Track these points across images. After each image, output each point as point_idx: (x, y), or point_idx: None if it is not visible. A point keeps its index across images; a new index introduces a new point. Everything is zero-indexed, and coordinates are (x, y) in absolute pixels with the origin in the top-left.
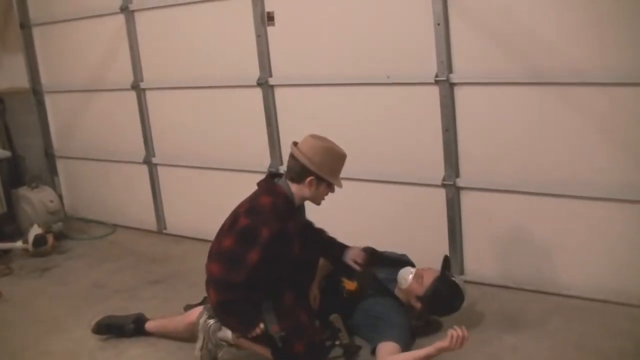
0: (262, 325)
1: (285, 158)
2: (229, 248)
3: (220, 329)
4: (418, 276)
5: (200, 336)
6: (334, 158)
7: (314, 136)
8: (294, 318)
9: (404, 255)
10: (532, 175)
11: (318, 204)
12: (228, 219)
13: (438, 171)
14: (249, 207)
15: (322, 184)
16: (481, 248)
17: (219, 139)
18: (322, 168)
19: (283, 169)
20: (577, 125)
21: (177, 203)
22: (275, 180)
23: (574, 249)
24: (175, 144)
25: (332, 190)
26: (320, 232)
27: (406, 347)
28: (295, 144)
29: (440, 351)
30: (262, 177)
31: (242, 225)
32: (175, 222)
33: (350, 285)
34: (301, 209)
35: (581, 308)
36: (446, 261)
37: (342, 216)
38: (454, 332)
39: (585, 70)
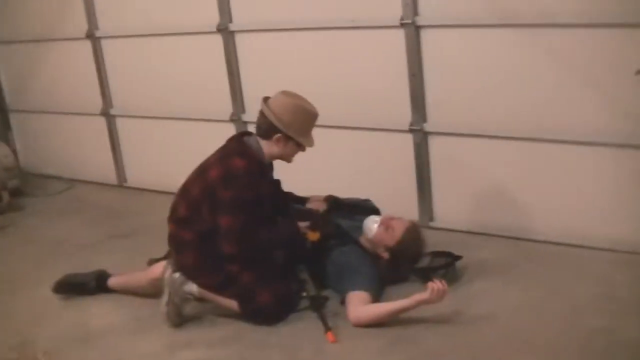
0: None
1: (248, 106)
2: (228, 224)
3: (185, 283)
4: (387, 226)
5: (166, 291)
6: (303, 116)
7: (285, 93)
8: (260, 269)
9: (367, 201)
10: (503, 119)
11: (289, 161)
12: (195, 174)
13: (405, 116)
14: (224, 172)
15: (291, 142)
16: (451, 194)
17: (179, 88)
18: (290, 126)
19: (245, 117)
20: (548, 67)
21: (137, 155)
22: (245, 139)
23: (547, 193)
24: (134, 94)
25: (302, 149)
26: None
27: (376, 295)
28: (265, 99)
29: (419, 303)
30: (224, 126)
31: (225, 198)
32: (136, 174)
33: (313, 235)
34: (271, 166)
35: (554, 253)
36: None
37: (307, 163)
38: (435, 285)
39: (556, 13)
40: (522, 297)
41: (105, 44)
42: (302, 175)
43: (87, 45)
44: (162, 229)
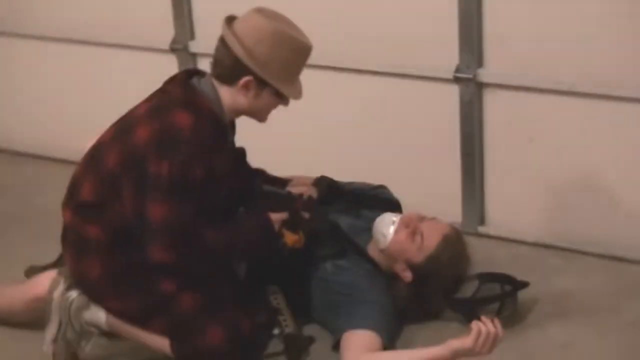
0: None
1: (199, 30)
2: (161, 215)
3: (87, 307)
4: (412, 230)
5: (55, 318)
6: (288, 50)
7: (261, 12)
8: (208, 289)
9: (380, 189)
10: (603, 66)
11: (262, 120)
12: (112, 135)
13: (449, 57)
14: (158, 133)
15: (267, 89)
16: (514, 185)
17: None
18: (267, 65)
19: (194, 47)
20: None
21: (14, 101)
22: (194, 81)
23: None
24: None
25: (284, 103)
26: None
27: (389, 338)
28: (229, 20)
29: (457, 355)
30: (160, 58)
31: (159, 174)
32: (12, 131)
33: (292, 238)
34: (233, 126)
35: None
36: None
37: (289, 125)
38: (482, 327)
39: None
40: (629, 355)
41: None
42: (281, 144)
43: None
44: (53, 218)
